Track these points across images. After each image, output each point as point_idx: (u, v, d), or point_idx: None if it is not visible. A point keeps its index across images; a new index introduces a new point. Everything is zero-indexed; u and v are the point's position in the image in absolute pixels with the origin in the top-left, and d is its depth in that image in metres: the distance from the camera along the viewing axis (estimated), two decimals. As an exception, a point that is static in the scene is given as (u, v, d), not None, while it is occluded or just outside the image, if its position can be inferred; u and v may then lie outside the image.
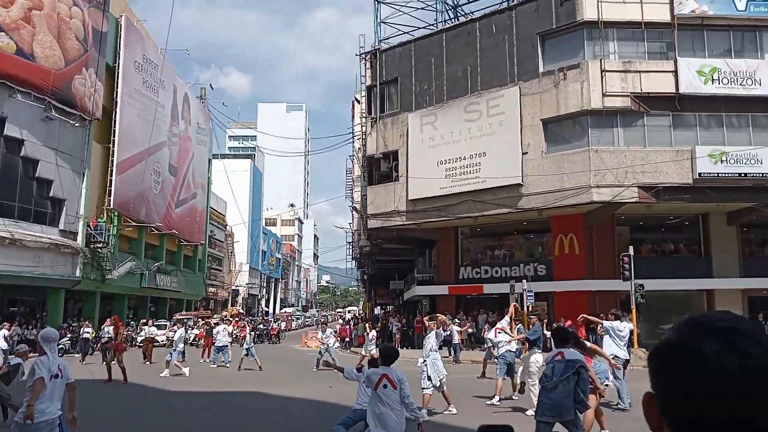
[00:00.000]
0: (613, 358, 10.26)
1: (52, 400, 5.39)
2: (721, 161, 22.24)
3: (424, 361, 10.52)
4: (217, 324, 25.61)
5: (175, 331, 21.17)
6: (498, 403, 11.31)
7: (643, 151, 22.97)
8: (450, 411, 10.37)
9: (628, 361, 10.87)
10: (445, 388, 10.52)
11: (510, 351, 12.24)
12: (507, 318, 13.26)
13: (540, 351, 11.11)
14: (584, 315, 11.46)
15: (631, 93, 23.06)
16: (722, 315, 1.01)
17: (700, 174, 22.18)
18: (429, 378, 10.28)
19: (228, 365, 20.51)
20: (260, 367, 19.33)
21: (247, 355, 19.65)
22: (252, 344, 20.23)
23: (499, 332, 12.97)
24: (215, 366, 20.74)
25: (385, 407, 5.69)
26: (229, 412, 10.84)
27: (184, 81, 47.22)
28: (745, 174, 22.25)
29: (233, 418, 10.22)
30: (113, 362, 16.03)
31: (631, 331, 11.84)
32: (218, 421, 9.97)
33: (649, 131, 23.42)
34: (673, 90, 22.94)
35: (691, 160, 22.43)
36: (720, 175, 22.22)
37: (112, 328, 24.00)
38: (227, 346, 21.45)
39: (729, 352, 0.92)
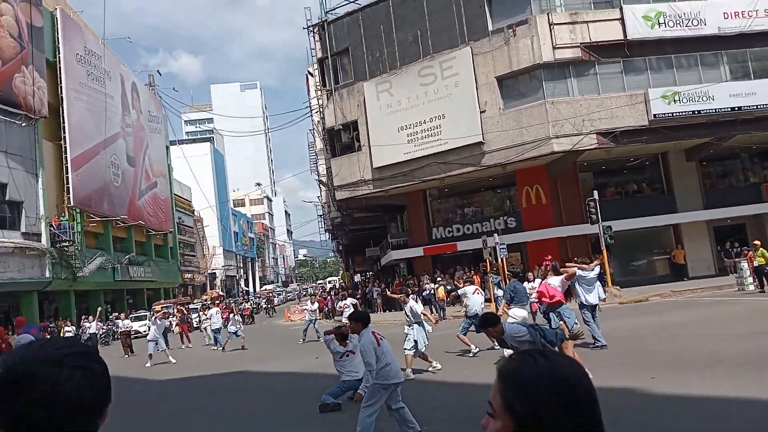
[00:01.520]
0: (580, 307, 10.90)
1: None
2: (674, 101, 22.72)
3: (411, 326, 10.82)
4: (209, 308, 25.84)
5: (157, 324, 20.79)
6: (477, 352, 11.70)
7: (598, 98, 23.31)
8: (435, 367, 10.66)
9: (595, 305, 11.20)
10: (423, 350, 10.82)
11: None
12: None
13: (523, 305, 11.71)
14: (566, 268, 11.62)
15: (580, 44, 23.32)
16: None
17: (655, 115, 22.67)
18: (415, 343, 10.58)
19: (223, 348, 20.45)
20: (243, 346, 19.44)
21: (236, 335, 19.78)
22: (240, 326, 20.30)
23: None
24: (216, 348, 20.68)
25: (390, 357, 6.27)
26: (217, 394, 10.91)
27: (130, 69, 45.98)
28: (699, 111, 22.82)
29: (222, 400, 10.30)
30: None
31: (600, 273, 12.16)
32: (206, 403, 10.05)
33: (602, 79, 23.74)
34: (621, 37, 23.27)
35: (645, 103, 22.86)
36: (674, 114, 22.75)
37: (95, 323, 24.04)
38: (221, 328, 21.58)
39: None
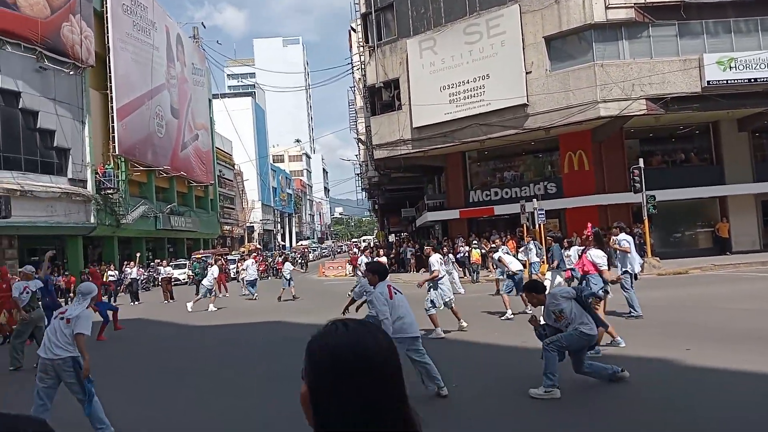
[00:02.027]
0: (623, 273, 10.57)
1: (50, 342, 5.70)
2: (730, 68, 21.69)
3: (431, 288, 10.83)
4: (244, 260, 26.55)
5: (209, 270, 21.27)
6: (512, 317, 11.61)
7: (650, 62, 22.41)
8: (462, 327, 10.73)
9: (630, 273, 10.85)
10: (453, 306, 10.88)
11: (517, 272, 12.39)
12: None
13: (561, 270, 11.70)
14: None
15: (634, 3, 22.34)
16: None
17: (708, 82, 21.71)
18: (432, 302, 10.61)
19: (256, 298, 21.02)
20: (294, 296, 19.89)
21: (289, 285, 20.24)
22: (290, 275, 20.72)
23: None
24: (250, 297, 21.31)
25: (405, 311, 6.43)
26: (251, 346, 11.18)
27: (175, 21, 46.06)
28: (755, 79, 21.73)
29: (255, 351, 10.54)
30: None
31: (633, 241, 11.70)
32: (236, 355, 10.32)
33: (655, 42, 22.77)
34: (678, -2, 22.16)
35: (699, 69, 21.89)
36: (729, 81, 21.74)
37: (135, 269, 24.88)
38: (256, 279, 22.08)
39: None
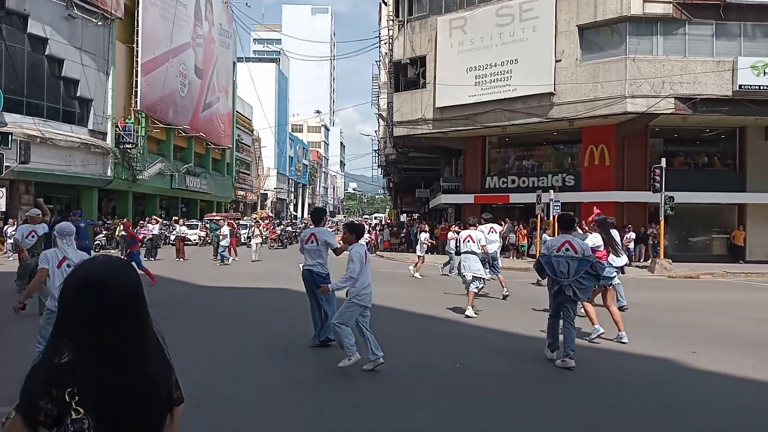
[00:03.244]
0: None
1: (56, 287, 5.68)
2: (764, 73, 21.20)
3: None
4: (257, 225, 27.60)
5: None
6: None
7: (683, 60, 21.97)
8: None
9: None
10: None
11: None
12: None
13: None
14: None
15: (673, -1, 21.82)
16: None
17: (740, 86, 21.26)
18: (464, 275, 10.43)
19: (230, 263, 21.45)
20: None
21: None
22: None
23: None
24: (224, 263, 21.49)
25: (368, 279, 6.58)
26: (249, 308, 11.24)
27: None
28: (788, 87, 21.27)
29: (246, 313, 10.58)
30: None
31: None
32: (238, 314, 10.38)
33: (690, 40, 22.30)
34: (718, -4, 21.64)
35: (732, 72, 21.44)
36: (762, 87, 21.26)
37: (158, 226, 25.04)
38: (228, 246, 22.18)
39: None
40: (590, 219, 10.08)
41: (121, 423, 1.45)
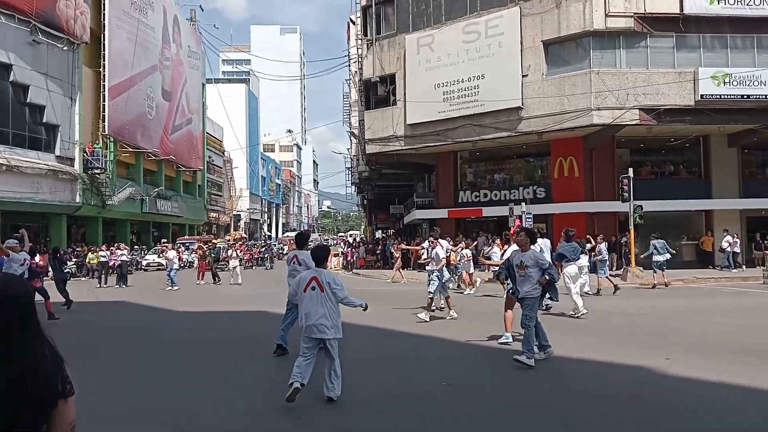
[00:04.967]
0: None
1: None
2: (724, 83, 21.87)
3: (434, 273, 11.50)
4: (230, 248, 27.24)
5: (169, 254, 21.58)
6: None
7: (646, 72, 22.55)
8: (452, 316, 11.49)
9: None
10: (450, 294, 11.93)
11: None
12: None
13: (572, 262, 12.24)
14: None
15: (634, 13, 22.43)
16: None
17: (702, 96, 21.88)
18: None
19: (177, 289, 20.20)
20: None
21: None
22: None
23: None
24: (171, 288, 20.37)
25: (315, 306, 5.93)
26: (230, 330, 11.08)
27: (173, 1, 45.65)
28: (748, 96, 21.94)
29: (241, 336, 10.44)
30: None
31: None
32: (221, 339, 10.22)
33: (652, 53, 22.91)
34: (677, 10, 22.31)
35: (694, 82, 22.06)
36: (722, 96, 21.92)
37: (126, 251, 24.52)
38: (177, 269, 21.40)
39: None
40: (512, 231, 11.03)
41: None
